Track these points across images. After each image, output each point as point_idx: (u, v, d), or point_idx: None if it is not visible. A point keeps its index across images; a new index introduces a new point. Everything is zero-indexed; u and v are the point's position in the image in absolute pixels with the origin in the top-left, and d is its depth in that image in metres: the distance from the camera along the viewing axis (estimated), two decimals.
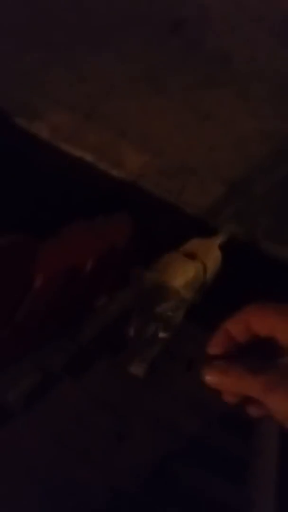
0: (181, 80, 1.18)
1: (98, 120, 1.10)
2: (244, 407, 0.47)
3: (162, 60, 1.21)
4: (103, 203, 0.89)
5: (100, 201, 0.92)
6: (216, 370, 0.46)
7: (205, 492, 0.55)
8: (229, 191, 1.02)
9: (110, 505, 0.50)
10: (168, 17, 1.26)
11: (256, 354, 0.47)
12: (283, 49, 1.25)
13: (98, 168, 1.03)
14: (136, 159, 1.05)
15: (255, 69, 1.19)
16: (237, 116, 1.13)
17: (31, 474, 0.50)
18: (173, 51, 1.23)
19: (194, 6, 1.27)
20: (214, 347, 0.48)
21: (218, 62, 1.20)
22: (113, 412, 0.59)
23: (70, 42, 1.21)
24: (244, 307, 0.50)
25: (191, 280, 0.71)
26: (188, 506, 0.52)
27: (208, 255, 0.80)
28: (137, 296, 0.72)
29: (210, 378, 0.46)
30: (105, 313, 0.72)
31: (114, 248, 0.69)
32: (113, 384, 0.61)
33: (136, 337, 0.61)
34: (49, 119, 1.07)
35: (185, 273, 0.72)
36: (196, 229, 0.99)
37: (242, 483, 0.56)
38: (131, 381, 0.61)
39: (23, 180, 0.93)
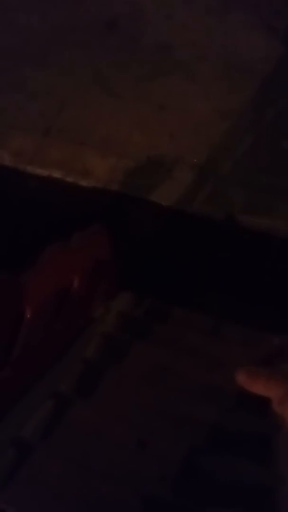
0: (129, 77, 1.15)
1: (57, 135, 1.07)
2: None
3: (106, 61, 1.18)
4: (79, 216, 0.88)
5: (75, 215, 0.91)
6: (247, 371, 0.50)
7: (238, 479, 0.53)
8: (198, 176, 0.99)
9: None
10: (102, 18, 1.22)
11: None
12: (222, 24, 1.23)
13: (67, 182, 1.02)
14: (102, 165, 1.03)
15: (197, 51, 1.17)
16: (190, 100, 1.10)
17: (58, 501, 0.49)
18: (114, 50, 1.19)
19: (124, 2, 1.25)
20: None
21: (160, 52, 1.17)
22: (127, 420, 0.57)
23: (13, 64, 1.19)
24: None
25: None
26: (224, 500, 0.51)
27: None
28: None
29: (241, 378, 0.50)
30: (104, 323, 0.71)
31: (96, 260, 0.67)
32: (120, 393, 0.60)
33: None
34: (9, 145, 1.03)
35: None
36: (174, 220, 0.98)
37: (270, 461, 0.55)
38: (137, 385, 0.60)
39: None
